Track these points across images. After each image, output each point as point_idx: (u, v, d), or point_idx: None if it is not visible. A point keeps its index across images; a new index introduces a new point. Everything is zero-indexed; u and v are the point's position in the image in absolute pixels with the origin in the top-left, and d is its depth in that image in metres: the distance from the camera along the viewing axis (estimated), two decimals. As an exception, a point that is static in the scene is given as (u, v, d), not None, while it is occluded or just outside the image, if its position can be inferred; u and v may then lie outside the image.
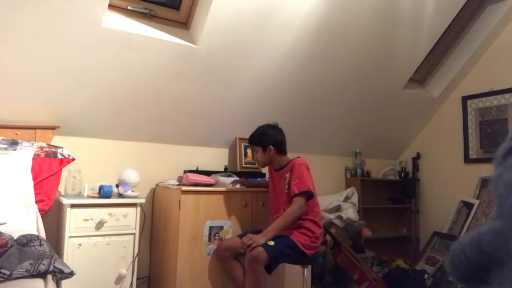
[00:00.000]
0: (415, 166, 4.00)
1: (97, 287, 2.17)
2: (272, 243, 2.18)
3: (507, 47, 3.36)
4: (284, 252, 2.19)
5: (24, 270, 1.11)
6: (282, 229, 2.24)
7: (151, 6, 2.41)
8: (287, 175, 2.36)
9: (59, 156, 2.28)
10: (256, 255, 2.11)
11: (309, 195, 2.29)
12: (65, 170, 2.35)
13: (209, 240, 2.43)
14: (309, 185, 2.29)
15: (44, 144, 2.27)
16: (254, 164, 3.16)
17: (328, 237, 3.30)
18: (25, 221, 1.78)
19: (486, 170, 3.32)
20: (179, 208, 2.33)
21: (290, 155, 3.53)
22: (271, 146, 2.41)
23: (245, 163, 3.11)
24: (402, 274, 3.12)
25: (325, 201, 3.43)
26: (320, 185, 3.63)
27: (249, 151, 3.16)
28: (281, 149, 2.46)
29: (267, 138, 2.42)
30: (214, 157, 3.12)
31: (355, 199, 3.56)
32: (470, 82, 3.62)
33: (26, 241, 1.32)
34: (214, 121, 2.95)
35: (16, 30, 1.99)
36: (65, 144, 2.39)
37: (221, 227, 2.48)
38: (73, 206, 2.14)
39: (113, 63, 2.31)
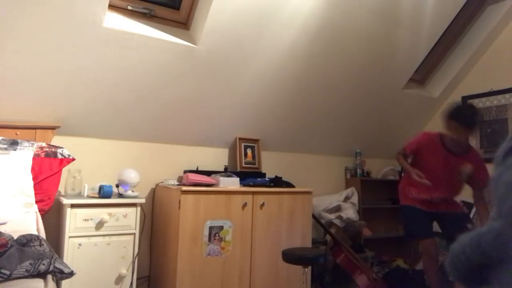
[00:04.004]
0: (415, 166, 3.99)
1: (97, 287, 2.17)
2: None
3: (507, 47, 3.36)
4: None
5: (24, 270, 1.10)
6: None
7: (151, 6, 2.41)
8: (468, 166, 2.42)
9: (59, 156, 2.28)
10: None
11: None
12: (65, 170, 2.35)
13: (209, 240, 2.43)
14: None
15: (44, 144, 2.27)
16: (254, 164, 3.16)
17: (328, 237, 3.30)
18: (25, 221, 1.78)
19: (486, 170, 3.32)
20: (179, 208, 2.34)
21: (290, 155, 3.54)
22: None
23: (245, 163, 3.11)
24: (402, 274, 3.12)
25: (325, 201, 3.44)
26: (320, 185, 3.65)
27: (249, 151, 3.16)
28: None
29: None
30: (214, 157, 3.13)
31: (355, 199, 3.56)
32: (470, 82, 3.62)
33: (26, 241, 1.31)
34: (214, 121, 2.95)
35: (16, 30, 1.99)
36: (65, 144, 2.40)
37: (221, 227, 2.48)
38: (73, 206, 2.14)
39: (113, 63, 2.31)
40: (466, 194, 3.49)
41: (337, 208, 3.40)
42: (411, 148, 2.61)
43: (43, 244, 1.31)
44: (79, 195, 2.38)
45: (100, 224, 2.20)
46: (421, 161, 2.56)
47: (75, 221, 2.14)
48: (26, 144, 2.20)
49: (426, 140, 2.57)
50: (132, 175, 2.46)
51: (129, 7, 2.32)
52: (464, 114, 2.37)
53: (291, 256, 2.29)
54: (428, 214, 2.59)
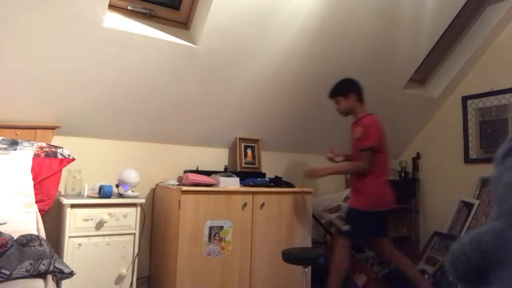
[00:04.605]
0: (415, 166, 4.00)
1: (97, 287, 2.17)
2: (346, 227, 2.54)
3: (507, 47, 3.36)
4: (357, 223, 2.53)
5: (24, 270, 1.10)
6: (339, 173, 2.72)
7: (151, 6, 2.41)
8: (358, 130, 2.57)
9: (59, 156, 2.28)
10: (338, 244, 2.56)
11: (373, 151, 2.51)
12: (65, 170, 2.35)
13: (209, 240, 2.43)
14: (371, 141, 2.50)
15: (44, 144, 2.27)
16: (254, 164, 3.16)
17: (328, 237, 3.30)
18: (25, 221, 1.78)
19: (486, 170, 3.32)
20: (179, 208, 2.33)
21: (290, 155, 3.54)
22: (351, 93, 2.62)
23: (245, 163, 3.11)
24: (402, 274, 3.11)
25: (325, 201, 3.43)
26: (320, 185, 3.65)
27: (249, 151, 3.16)
28: (361, 96, 2.67)
29: (346, 85, 2.67)
30: (214, 157, 3.13)
31: (355, 199, 3.56)
32: (470, 82, 3.62)
33: (26, 241, 1.31)
34: (214, 121, 2.95)
35: (16, 30, 1.99)
36: (65, 144, 2.39)
37: (221, 227, 2.48)
38: (73, 206, 2.14)
39: (113, 63, 2.31)
40: (465, 194, 3.50)
41: (337, 208, 3.39)
42: None
43: (43, 244, 1.31)
44: (79, 195, 2.38)
45: (100, 224, 2.20)
46: None
47: (75, 221, 2.14)
48: (26, 144, 2.20)
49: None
50: (132, 175, 2.46)
51: (129, 7, 2.32)
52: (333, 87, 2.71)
53: (291, 256, 2.29)
54: None
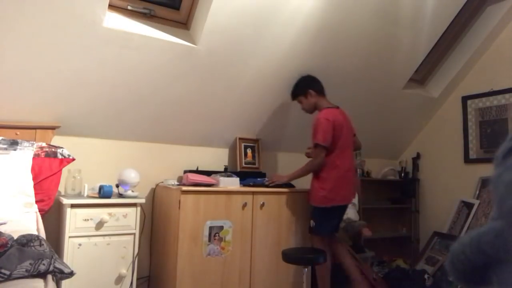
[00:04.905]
0: (415, 166, 4.00)
1: (97, 287, 2.18)
2: (312, 223, 2.61)
3: (507, 47, 3.36)
4: (319, 219, 2.57)
5: (24, 270, 1.11)
6: (300, 176, 2.71)
7: (151, 6, 2.41)
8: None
9: (59, 156, 2.28)
10: (314, 242, 2.64)
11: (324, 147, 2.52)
12: (65, 170, 2.35)
13: (209, 240, 2.43)
14: (319, 138, 2.50)
15: (44, 144, 2.27)
16: (254, 164, 3.16)
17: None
18: (25, 221, 1.78)
19: (486, 170, 3.32)
20: (179, 208, 2.34)
21: (290, 155, 3.54)
22: (310, 90, 2.65)
23: (245, 163, 3.11)
24: (402, 274, 3.12)
25: (325, 201, 3.43)
26: (320, 185, 3.63)
27: (249, 151, 3.16)
28: (320, 90, 2.70)
29: (302, 84, 2.72)
30: (214, 157, 3.13)
31: (355, 199, 3.56)
32: (470, 82, 3.62)
33: (26, 241, 1.31)
34: (214, 121, 2.95)
35: (16, 30, 1.99)
36: (65, 144, 2.40)
37: (221, 227, 2.48)
38: (73, 206, 2.15)
39: (113, 63, 2.31)
40: (465, 194, 3.50)
41: (337, 208, 3.39)
42: None
43: (43, 244, 1.31)
44: (79, 195, 2.38)
45: (100, 224, 2.20)
46: None
47: (75, 221, 2.14)
48: (26, 144, 2.20)
49: None
50: (132, 175, 2.46)
51: (129, 7, 2.32)
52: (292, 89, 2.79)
53: (291, 256, 2.30)
54: None
